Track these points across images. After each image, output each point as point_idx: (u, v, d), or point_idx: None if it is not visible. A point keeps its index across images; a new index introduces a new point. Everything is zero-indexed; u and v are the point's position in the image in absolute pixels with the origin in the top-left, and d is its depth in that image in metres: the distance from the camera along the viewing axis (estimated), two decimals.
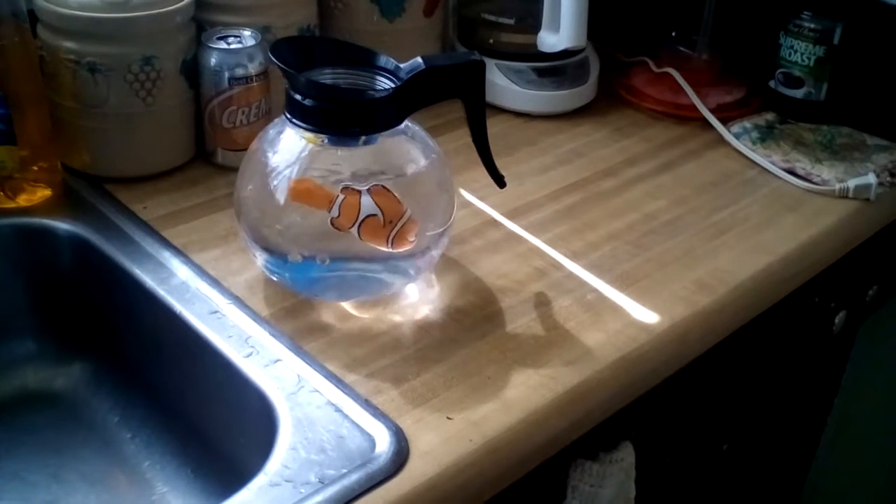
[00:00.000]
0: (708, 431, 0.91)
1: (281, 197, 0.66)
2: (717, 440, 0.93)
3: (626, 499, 0.74)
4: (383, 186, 0.64)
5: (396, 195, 0.64)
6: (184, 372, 0.69)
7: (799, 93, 1.00)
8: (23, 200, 0.78)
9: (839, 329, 1.01)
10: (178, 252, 0.74)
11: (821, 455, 1.21)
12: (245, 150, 0.70)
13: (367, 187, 0.63)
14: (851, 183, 0.88)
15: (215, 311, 0.68)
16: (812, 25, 0.97)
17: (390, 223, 0.64)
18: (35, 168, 0.78)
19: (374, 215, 0.63)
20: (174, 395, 0.72)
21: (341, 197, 0.63)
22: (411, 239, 0.65)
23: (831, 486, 1.25)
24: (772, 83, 1.02)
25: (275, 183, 0.66)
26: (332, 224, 0.63)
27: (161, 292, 0.69)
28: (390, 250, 0.65)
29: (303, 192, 0.64)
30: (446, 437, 0.58)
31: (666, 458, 0.84)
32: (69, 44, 0.77)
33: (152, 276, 0.71)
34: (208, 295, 0.69)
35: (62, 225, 0.76)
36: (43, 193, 0.79)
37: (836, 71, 0.98)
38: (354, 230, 0.63)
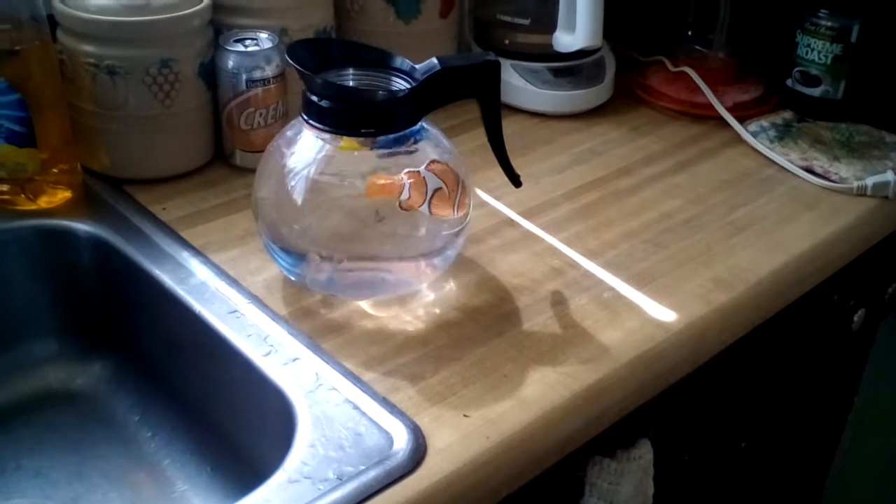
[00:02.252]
0: (726, 429, 0.90)
1: (298, 198, 0.66)
2: (736, 438, 0.93)
3: (645, 496, 0.74)
4: (436, 161, 0.65)
5: (448, 165, 0.66)
6: (203, 371, 0.70)
7: (816, 91, 1.00)
8: (43, 202, 0.79)
9: (858, 327, 1.00)
10: (197, 252, 0.74)
11: (841, 454, 1.20)
12: (263, 151, 0.70)
13: (423, 167, 0.64)
14: (870, 181, 0.88)
15: (234, 311, 0.68)
16: (829, 23, 0.97)
17: (453, 191, 0.66)
18: (55, 170, 0.79)
19: (440, 188, 0.65)
20: (194, 394, 0.73)
21: (409, 180, 0.64)
22: (467, 202, 0.67)
23: (852, 485, 1.24)
24: (789, 82, 1.02)
25: (292, 184, 0.66)
26: (400, 207, 0.64)
27: (180, 292, 0.70)
28: (456, 216, 0.67)
29: (378, 188, 0.65)
30: (463, 434, 0.59)
31: (684, 456, 0.84)
32: (88, 47, 0.78)
33: (172, 276, 0.71)
34: (227, 295, 0.70)
35: (82, 226, 0.77)
36: (63, 195, 0.80)
37: (853, 69, 0.98)
38: (425, 207, 0.64)
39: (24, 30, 0.74)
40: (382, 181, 0.65)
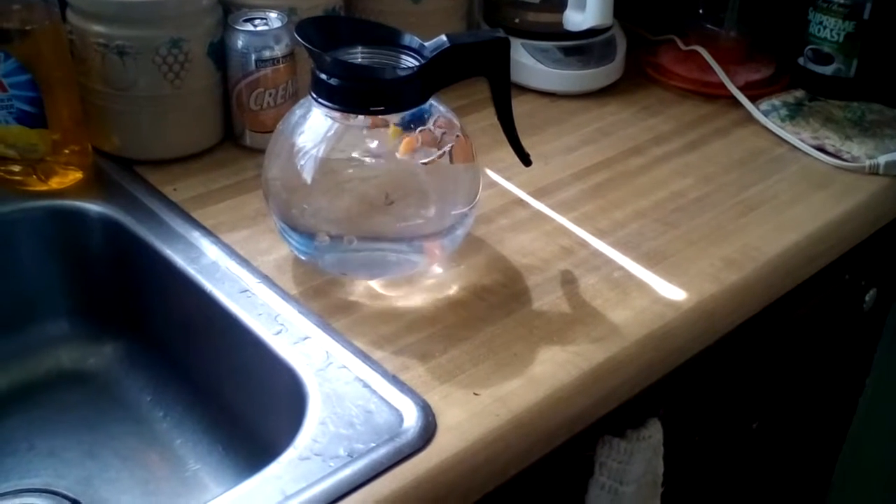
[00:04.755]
0: (737, 409, 0.90)
1: (308, 177, 0.66)
2: (747, 418, 0.93)
3: (655, 475, 0.74)
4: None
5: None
6: (214, 350, 0.70)
7: (828, 69, 0.99)
8: (55, 183, 0.79)
9: (870, 307, 1.00)
10: (208, 232, 0.75)
11: (853, 434, 1.20)
12: (272, 132, 0.70)
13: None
14: (882, 159, 0.87)
15: (245, 290, 0.68)
16: (841, 0, 0.96)
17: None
18: (66, 151, 0.79)
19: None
20: (205, 374, 0.73)
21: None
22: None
23: (864, 466, 1.24)
24: (801, 60, 1.01)
25: (302, 163, 0.66)
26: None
27: (191, 272, 0.70)
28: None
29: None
30: (473, 412, 0.59)
31: (695, 437, 0.84)
32: (98, 27, 0.78)
33: (183, 256, 0.72)
34: (238, 274, 0.70)
35: (94, 207, 0.77)
36: (74, 176, 0.80)
37: (866, 47, 0.97)
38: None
39: (35, 10, 0.74)
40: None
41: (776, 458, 1.05)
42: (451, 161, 0.66)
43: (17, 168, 0.78)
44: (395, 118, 0.65)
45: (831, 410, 1.15)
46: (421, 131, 0.65)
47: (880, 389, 1.16)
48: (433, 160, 0.65)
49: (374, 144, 0.66)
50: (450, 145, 0.66)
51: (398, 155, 0.65)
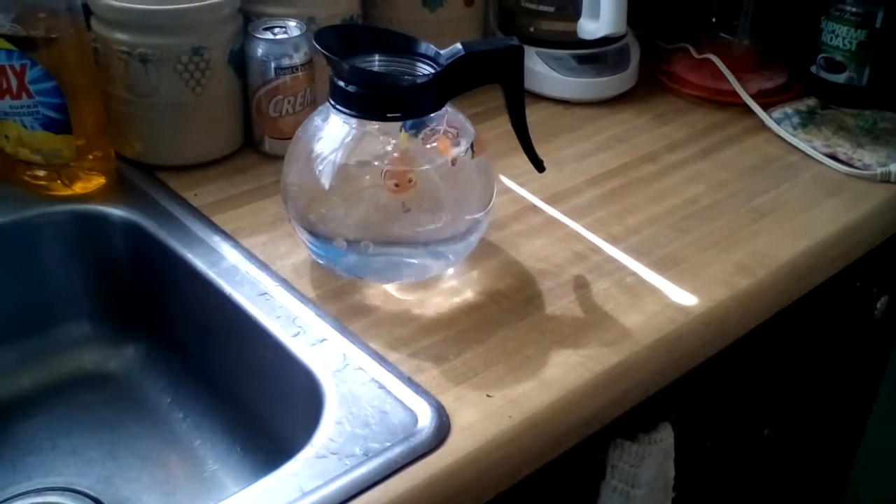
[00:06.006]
0: (748, 416, 0.91)
1: (326, 182, 0.67)
2: (758, 425, 0.94)
3: (666, 479, 0.75)
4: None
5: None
6: (233, 352, 0.72)
7: (841, 78, 1.00)
8: (78, 188, 0.81)
9: (881, 314, 1.00)
10: (228, 237, 0.76)
11: (866, 443, 1.20)
12: (291, 138, 0.72)
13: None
14: (893, 167, 0.88)
15: (264, 293, 0.70)
16: (853, 9, 0.96)
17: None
18: (90, 157, 0.81)
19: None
20: (224, 376, 0.74)
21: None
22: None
23: (877, 476, 1.24)
24: (813, 68, 1.02)
25: (320, 168, 0.68)
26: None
27: (212, 275, 0.71)
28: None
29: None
30: (486, 413, 0.60)
31: (706, 441, 0.85)
32: (121, 36, 0.80)
33: (203, 259, 0.73)
34: (257, 278, 0.71)
35: (116, 211, 0.79)
36: (98, 181, 0.81)
37: (878, 55, 0.98)
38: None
39: (60, 18, 0.76)
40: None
41: (788, 464, 1.06)
42: (473, 156, 0.68)
43: (42, 173, 0.80)
44: (407, 124, 0.67)
45: (843, 418, 1.15)
46: (445, 132, 0.66)
47: (893, 397, 1.16)
48: (457, 157, 0.67)
49: (391, 151, 0.68)
50: (471, 140, 0.68)
51: (442, 154, 0.66)
